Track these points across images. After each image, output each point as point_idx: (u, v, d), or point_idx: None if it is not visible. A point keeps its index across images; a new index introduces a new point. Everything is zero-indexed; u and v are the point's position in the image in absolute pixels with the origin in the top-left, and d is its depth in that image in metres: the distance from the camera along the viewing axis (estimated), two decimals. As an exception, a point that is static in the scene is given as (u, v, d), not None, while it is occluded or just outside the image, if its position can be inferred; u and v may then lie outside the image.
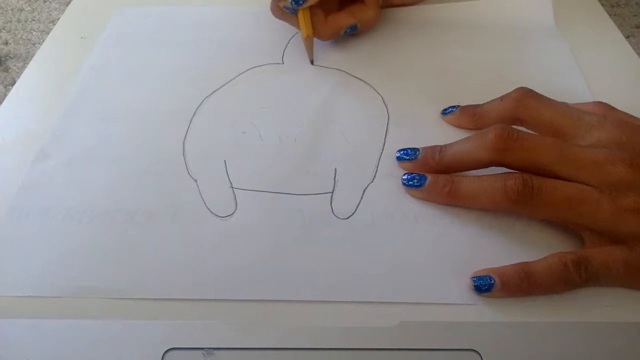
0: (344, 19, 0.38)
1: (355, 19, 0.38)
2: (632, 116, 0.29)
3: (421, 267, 0.27)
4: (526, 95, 0.30)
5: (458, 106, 0.34)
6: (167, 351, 0.24)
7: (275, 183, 0.30)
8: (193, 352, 0.24)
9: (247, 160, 0.32)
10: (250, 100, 0.36)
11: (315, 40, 0.38)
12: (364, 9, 0.38)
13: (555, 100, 0.30)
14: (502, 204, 0.27)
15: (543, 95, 0.30)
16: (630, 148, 0.26)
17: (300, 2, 0.35)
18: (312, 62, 0.38)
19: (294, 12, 0.36)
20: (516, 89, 0.31)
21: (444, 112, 0.34)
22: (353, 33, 0.39)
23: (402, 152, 0.31)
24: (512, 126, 0.28)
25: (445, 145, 0.30)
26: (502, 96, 0.31)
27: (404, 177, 0.30)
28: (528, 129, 0.29)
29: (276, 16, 0.39)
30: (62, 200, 0.30)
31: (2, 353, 0.24)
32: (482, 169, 0.29)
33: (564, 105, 0.30)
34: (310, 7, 0.36)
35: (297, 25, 0.37)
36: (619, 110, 0.30)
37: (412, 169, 0.31)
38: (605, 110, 0.30)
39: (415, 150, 0.31)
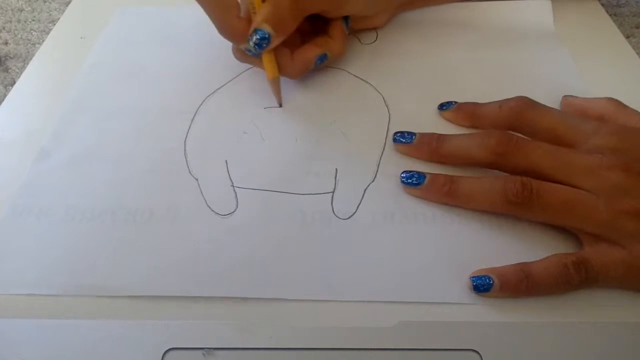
0: (310, 51, 0.34)
1: (323, 49, 0.35)
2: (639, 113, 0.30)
3: (421, 267, 0.27)
4: (524, 106, 0.30)
5: (455, 102, 0.34)
6: (167, 351, 0.24)
7: (276, 182, 0.30)
8: (193, 352, 0.24)
9: (248, 160, 0.32)
10: (251, 99, 0.36)
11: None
12: (329, 41, 0.35)
13: (553, 109, 0.30)
14: (500, 206, 0.27)
15: (541, 105, 0.30)
16: (626, 154, 0.26)
17: (264, 45, 0.31)
18: (280, 105, 0.35)
19: (258, 55, 0.33)
20: (515, 98, 0.31)
21: (441, 107, 0.34)
22: (321, 66, 0.36)
23: (398, 134, 0.32)
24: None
25: (444, 135, 0.31)
26: (501, 103, 0.31)
27: (402, 175, 0.30)
28: (526, 136, 0.30)
29: (238, 59, 0.35)
30: (63, 198, 0.30)
31: (2, 353, 0.24)
32: (481, 170, 0.29)
33: (562, 114, 0.30)
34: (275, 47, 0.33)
35: (262, 67, 0.34)
36: (629, 108, 0.30)
37: (406, 151, 0.31)
38: (616, 107, 0.30)
39: (412, 134, 0.31)
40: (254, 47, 0.32)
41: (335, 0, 0.34)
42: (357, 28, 0.39)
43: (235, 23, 0.32)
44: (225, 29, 0.32)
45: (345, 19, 0.36)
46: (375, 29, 0.41)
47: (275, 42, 0.32)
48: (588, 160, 0.26)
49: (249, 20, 0.32)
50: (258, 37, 0.31)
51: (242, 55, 0.35)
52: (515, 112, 0.30)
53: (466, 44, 0.40)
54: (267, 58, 0.33)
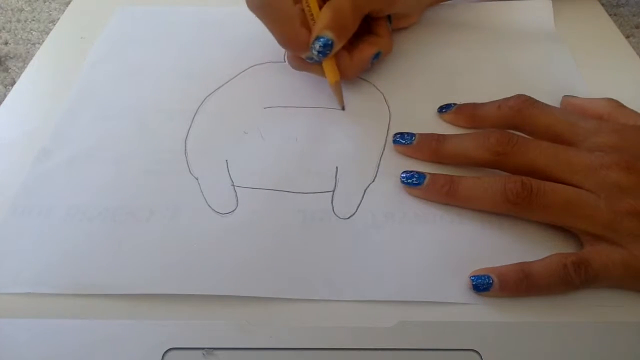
0: (367, 51, 0.34)
1: (377, 47, 0.35)
2: (638, 114, 0.30)
3: (421, 267, 0.27)
4: (524, 103, 0.30)
5: (455, 104, 0.34)
6: (167, 351, 0.24)
7: (276, 181, 0.30)
8: (193, 352, 0.24)
9: (249, 159, 0.32)
10: (251, 99, 0.36)
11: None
12: (378, 39, 0.35)
13: (553, 107, 0.30)
14: (500, 206, 0.27)
15: (541, 102, 0.30)
16: (627, 152, 0.26)
17: (327, 52, 0.31)
18: (343, 108, 0.35)
19: (319, 62, 0.33)
20: (514, 97, 0.31)
21: (440, 110, 0.34)
22: (374, 64, 0.36)
23: (398, 135, 0.32)
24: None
25: (443, 136, 0.31)
26: (500, 102, 0.31)
27: (402, 175, 0.30)
28: (526, 135, 0.30)
29: (295, 67, 0.35)
30: (63, 198, 0.30)
31: (2, 353, 0.24)
32: (481, 170, 0.29)
33: (562, 111, 0.30)
34: None
35: (322, 73, 0.34)
36: (629, 109, 0.30)
37: (406, 153, 0.31)
38: (615, 108, 0.30)
39: (411, 135, 0.31)
40: (317, 54, 0.31)
41: None
42: (396, 27, 0.39)
43: (298, 33, 0.32)
44: (287, 41, 0.32)
45: (388, 17, 0.36)
46: (409, 27, 0.41)
47: (337, 47, 0.32)
48: (589, 158, 0.26)
49: (308, 28, 0.32)
50: (321, 44, 0.31)
51: (300, 63, 0.34)
52: (515, 111, 0.30)
53: (467, 43, 0.40)
54: (328, 63, 0.33)
